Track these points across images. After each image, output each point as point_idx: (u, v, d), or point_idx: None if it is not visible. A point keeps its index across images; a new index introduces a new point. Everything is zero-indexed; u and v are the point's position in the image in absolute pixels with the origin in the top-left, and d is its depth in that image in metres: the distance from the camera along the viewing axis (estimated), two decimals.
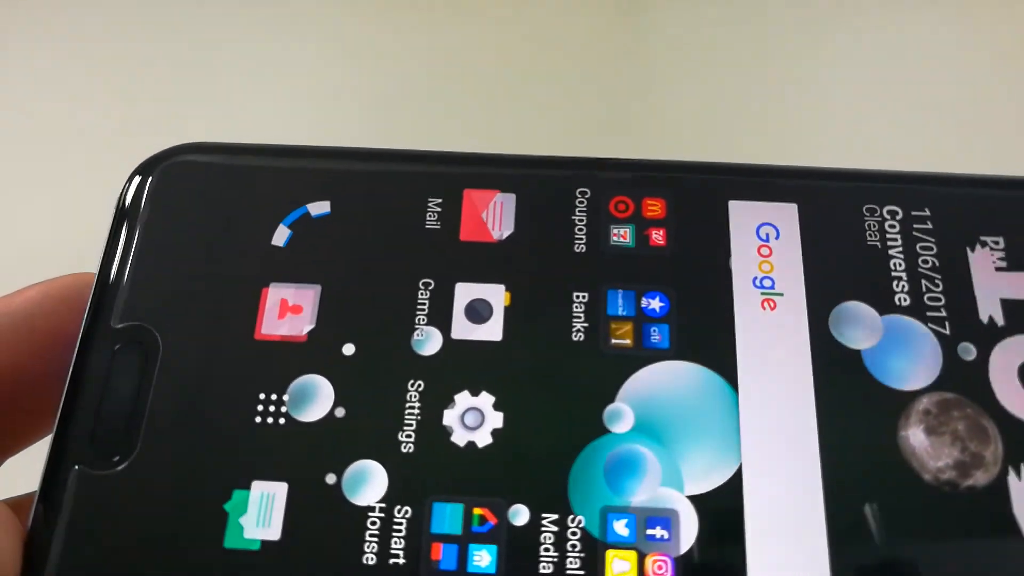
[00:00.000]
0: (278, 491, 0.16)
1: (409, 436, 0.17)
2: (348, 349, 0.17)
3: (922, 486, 0.16)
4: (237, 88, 0.44)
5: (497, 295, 0.18)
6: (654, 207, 0.19)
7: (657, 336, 0.17)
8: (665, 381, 0.17)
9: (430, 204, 0.19)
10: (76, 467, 0.16)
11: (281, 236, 0.18)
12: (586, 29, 0.44)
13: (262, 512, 0.16)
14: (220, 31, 0.47)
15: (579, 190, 0.19)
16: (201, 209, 0.19)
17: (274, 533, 0.16)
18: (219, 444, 0.17)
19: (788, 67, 0.43)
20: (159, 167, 0.19)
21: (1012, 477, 0.16)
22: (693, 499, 0.16)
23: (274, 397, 0.17)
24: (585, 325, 0.17)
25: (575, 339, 0.17)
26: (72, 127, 0.43)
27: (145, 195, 0.19)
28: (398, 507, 0.16)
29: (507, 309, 0.18)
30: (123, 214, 0.18)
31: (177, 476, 0.16)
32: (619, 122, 0.41)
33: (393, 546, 0.16)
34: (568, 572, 0.16)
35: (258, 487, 0.16)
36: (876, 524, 0.16)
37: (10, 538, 0.15)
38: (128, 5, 0.47)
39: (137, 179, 0.19)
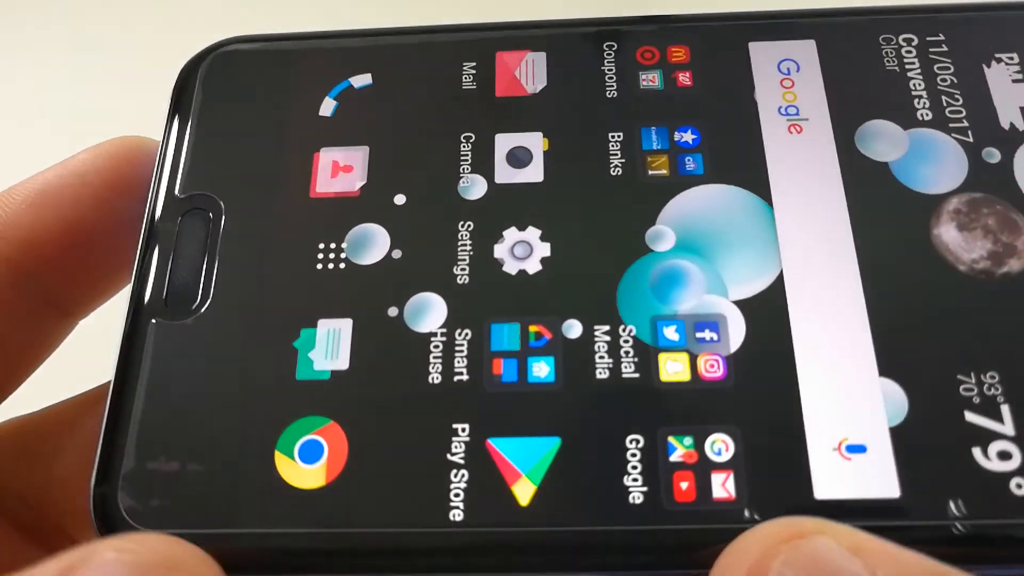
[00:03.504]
0: (343, 327, 0.17)
1: (463, 269, 0.18)
2: (399, 199, 0.18)
3: (958, 276, 0.17)
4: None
5: (535, 142, 0.19)
6: (678, 53, 0.19)
7: (692, 164, 0.18)
8: (702, 202, 0.18)
9: (465, 68, 0.20)
10: (153, 320, 0.17)
11: (328, 107, 0.19)
12: None
13: (330, 346, 0.17)
14: None
15: (606, 44, 0.20)
16: (251, 90, 0.20)
17: (342, 364, 0.17)
18: (284, 290, 0.18)
19: None
20: (209, 57, 0.20)
21: None
22: (739, 303, 0.17)
23: (333, 245, 0.18)
24: (622, 161, 0.18)
25: (613, 173, 0.18)
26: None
27: (198, 81, 0.20)
28: (458, 331, 0.17)
29: (546, 153, 0.19)
30: (178, 99, 0.20)
31: (247, 321, 0.17)
32: None
33: (456, 365, 0.17)
34: (624, 376, 0.16)
35: (324, 324, 0.17)
36: (916, 314, 0.17)
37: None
38: None
39: (189, 68, 0.20)
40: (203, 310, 0.17)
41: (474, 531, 0.15)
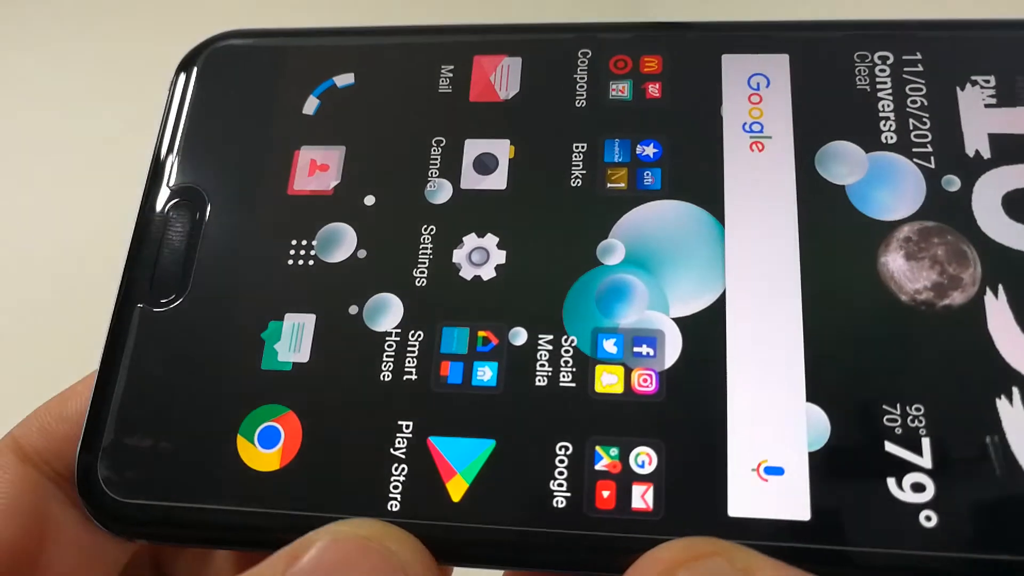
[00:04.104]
0: (307, 321, 0.18)
1: (422, 272, 0.19)
2: (369, 200, 0.19)
3: (898, 306, 0.17)
4: None
5: (503, 149, 0.19)
6: (651, 63, 0.20)
7: (650, 179, 0.19)
8: (656, 218, 0.18)
9: (443, 70, 0.20)
10: (139, 306, 0.19)
11: (311, 106, 0.20)
12: None
13: (293, 339, 0.18)
14: None
15: (581, 51, 0.20)
16: (242, 86, 0.21)
17: (303, 357, 0.18)
18: (257, 284, 0.19)
19: None
20: (205, 52, 0.21)
21: (989, 296, 0.17)
22: (678, 320, 0.17)
23: (304, 243, 0.19)
24: (583, 172, 0.19)
25: (573, 185, 0.19)
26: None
27: (194, 76, 0.21)
28: (412, 331, 0.18)
29: (511, 161, 0.19)
30: (175, 93, 0.21)
31: (222, 311, 0.19)
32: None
33: (407, 365, 0.18)
34: (561, 384, 0.17)
35: (290, 318, 0.18)
36: (851, 342, 0.17)
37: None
38: None
39: (186, 62, 0.21)
40: (183, 298, 0.19)
41: (407, 523, 0.17)
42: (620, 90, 0.20)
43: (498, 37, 0.20)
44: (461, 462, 0.17)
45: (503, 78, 0.20)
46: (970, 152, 0.18)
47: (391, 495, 0.17)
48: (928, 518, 0.15)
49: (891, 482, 0.16)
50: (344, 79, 0.21)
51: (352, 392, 0.18)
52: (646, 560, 0.15)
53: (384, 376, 0.18)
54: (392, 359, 0.18)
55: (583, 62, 0.20)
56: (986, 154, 0.18)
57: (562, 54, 0.20)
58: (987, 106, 0.18)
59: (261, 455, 0.18)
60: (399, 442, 0.17)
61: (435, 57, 0.20)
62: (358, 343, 0.18)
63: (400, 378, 0.18)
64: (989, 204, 0.18)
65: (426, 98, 0.20)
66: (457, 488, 0.17)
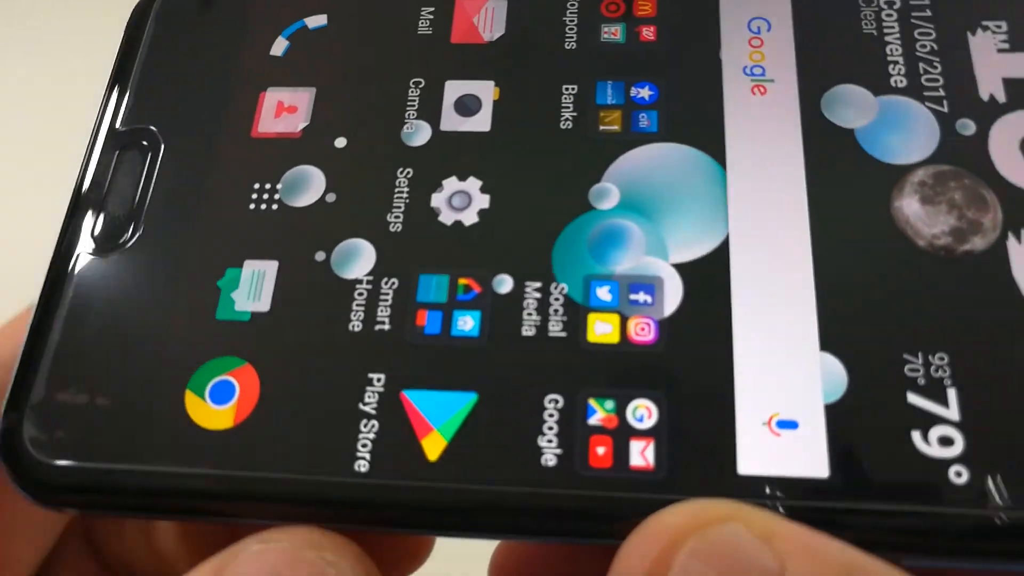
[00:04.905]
0: (268, 268, 0.17)
1: (397, 217, 0.17)
2: (340, 142, 0.18)
3: (915, 251, 0.16)
4: None
5: (486, 91, 0.18)
6: (645, 6, 0.19)
7: (645, 121, 0.17)
8: (652, 161, 0.17)
9: (423, 12, 0.19)
10: (79, 252, 0.17)
11: (279, 47, 0.19)
12: None
13: (253, 287, 0.17)
14: None
15: None
16: (205, 25, 0.19)
17: (263, 306, 0.16)
18: (214, 228, 0.17)
19: None
20: None
21: (1012, 241, 0.16)
22: (678, 267, 0.16)
23: (268, 186, 0.17)
24: (573, 114, 0.18)
25: (563, 127, 0.17)
26: None
27: (153, 11, 0.19)
28: (385, 279, 0.16)
29: (496, 103, 0.18)
30: (130, 30, 0.19)
31: (173, 257, 0.17)
32: None
33: (379, 314, 0.16)
34: (550, 333, 0.16)
35: (250, 265, 0.17)
36: (866, 288, 0.16)
37: None
38: None
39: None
40: (130, 244, 0.17)
41: (377, 483, 0.15)
42: (612, 33, 0.18)
43: None
44: (439, 417, 0.15)
45: (487, 20, 0.19)
46: (984, 96, 0.17)
47: (359, 454, 0.15)
48: (959, 473, 0.14)
49: (916, 436, 0.14)
50: (316, 20, 0.19)
51: (317, 343, 0.16)
52: (650, 526, 0.13)
53: (353, 326, 0.16)
54: (363, 308, 0.16)
55: (573, 4, 0.19)
56: (1001, 98, 0.17)
57: None
58: (1000, 51, 0.17)
59: (212, 412, 0.16)
60: (368, 396, 0.15)
61: None
62: (325, 291, 0.16)
63: (371, 328, 0.16)
64: (1007, 148, 0.16)
65: (404, 40, 0.19)
66: (434, 446, 0.15)
